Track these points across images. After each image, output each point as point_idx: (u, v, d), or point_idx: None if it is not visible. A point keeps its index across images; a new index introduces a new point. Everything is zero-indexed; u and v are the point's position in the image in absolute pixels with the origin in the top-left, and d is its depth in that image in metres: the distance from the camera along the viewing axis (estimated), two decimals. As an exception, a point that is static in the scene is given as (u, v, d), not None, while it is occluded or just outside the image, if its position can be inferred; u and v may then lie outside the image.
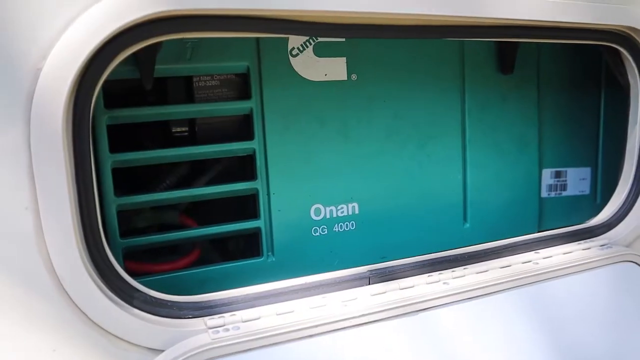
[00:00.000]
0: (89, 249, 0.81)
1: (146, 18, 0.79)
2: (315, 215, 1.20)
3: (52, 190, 0.76)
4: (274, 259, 1.18)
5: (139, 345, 0.84)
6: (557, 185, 1.47)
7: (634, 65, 1.22)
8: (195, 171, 1.20)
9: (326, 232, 1.22)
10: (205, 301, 0.91)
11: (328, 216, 1.21)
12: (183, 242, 1.14)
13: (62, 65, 0.74)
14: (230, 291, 0.94)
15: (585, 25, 1.12)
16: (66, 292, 0.79)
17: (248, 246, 1.23)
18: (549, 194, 1.46)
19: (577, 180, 1.50)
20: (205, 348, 0.83)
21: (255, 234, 1.19)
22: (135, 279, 1.05)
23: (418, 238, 1.31)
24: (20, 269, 0.76)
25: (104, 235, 1.02)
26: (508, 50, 1.32)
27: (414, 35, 1.00)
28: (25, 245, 0.76)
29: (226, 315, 0.90)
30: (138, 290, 0.86)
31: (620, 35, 1.18)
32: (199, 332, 0.86)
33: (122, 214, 1.09)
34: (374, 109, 1.23)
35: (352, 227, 1.24)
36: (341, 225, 1.23)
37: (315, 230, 1.21)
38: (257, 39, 1.11)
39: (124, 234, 1.07)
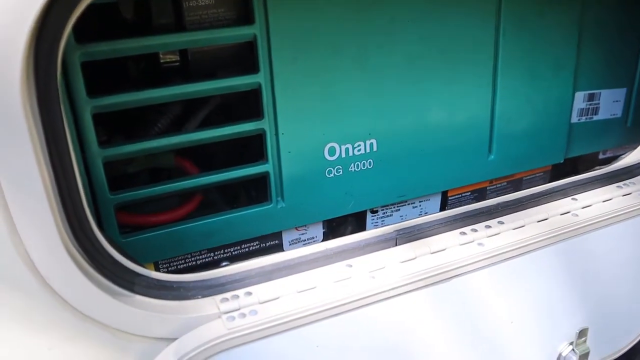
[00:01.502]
0: (75, 236, 0.68)
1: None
2: (330, 155, 1.06)
3: (19, 174, 0.60)
4: (284, 205, 1.06)
5: (144, 336, 0.75)
6: (589, 109, 1.33)
7: None
8: (191, 108, 1.03)
9: (341, 172, 1.08)
10: (216, 277, 0.80)
11: (344, 155, 1.08)
12: (183, 189, 1.00)
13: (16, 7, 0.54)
14: (244, 264, 0.83)
15: None
16: (55, 291, 0.66)
17: (255, 187, 1.10)
18: (579, 119, 1.33)
19: (610, 103, 1.36)
20: (220, 340, 0.73)
21: (263, 178, 1.05)
22: (130, 235, 0.94)
23: (440, 174, 1.19)
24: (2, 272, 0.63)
25: (90, 192, 0.90)
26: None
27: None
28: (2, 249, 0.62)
29: (241, 293, 0.79)
30: (139, 275, 0.75)
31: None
32: (211, 317, 0.76)
33: (112, 166, 0.94)
34: (396, 31, 1.03)
35: (370, 165, 1.11)
36: (357, 164, 1.10)
37: (330, 172, 1.07)
38: (261, -54, 0.88)
39: (113, 182, 0.93)
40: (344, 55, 1.01)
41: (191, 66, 0.97)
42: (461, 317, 0.89)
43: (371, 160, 1.11)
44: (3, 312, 0.65)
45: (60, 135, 0.63)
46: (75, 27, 0.78)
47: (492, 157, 1.24)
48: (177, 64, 1.01)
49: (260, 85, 0.96)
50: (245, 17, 0.94)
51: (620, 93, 1.36)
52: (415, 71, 1.08)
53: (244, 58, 0.98)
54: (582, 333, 1.08)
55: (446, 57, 1.10)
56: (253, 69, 0.95)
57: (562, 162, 1.34)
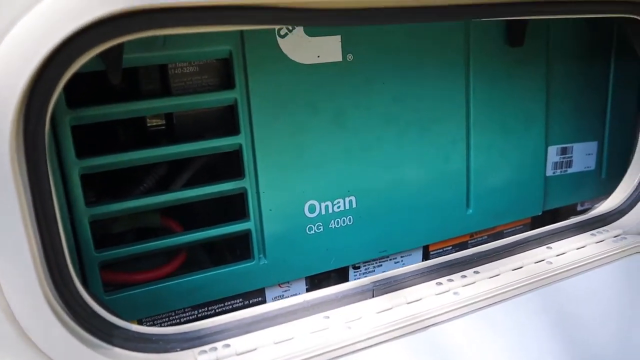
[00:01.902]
0: (57, 288, 0.70)
1: (111, 14, 0.64)
2: (310, 213, 1.10)
3: (4, 229, 0.64)
4: (266, 262, 1.08)
5: (123, 389, 0.75)
6: (562, 162, 1.38)
7: (656, 38, 1.11)
8: (176, 169, 1.08)
9: (322, 229, 1.12)
10: (195, 330, 0.82)
11: (324, 212, 1.11)
12: (166, 250, 1.03)
13: (9, 72, 0.60)
14: (223, 317, 0.84)
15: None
16: (33, 342, 0.68)
17: (238, 244, 1.13)
18: (554, 172, 1.38)
19: (583, 156, 1.41)
20: (198, 391, 0.74)
21: (244, 237, 1.09)
22: (114, 293, 0.96)
23: (419, 229, 1.22)
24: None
25: (76, 250, 0.93)
26: (518, 21, 1.19)
27: (412, 19, 0.87)
28: (-19, 298, 0.65)
29: (219, 345, 0.81)
30: (118, 327, 0.76)
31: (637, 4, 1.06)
32: (190, 369, 0.77)
33: (98, 225, 0.97)
34: (371, 92, 1.11)
35: (350, 222, 1.14)
36: (337, 221, 1.13)
37: (310, 229, 1.11)
38: (240, 19, 0.96)
39: (100, 241, 0.96)
40: (322, 116, 1.07)
41: (176, 129, 1.03)
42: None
43: (351, 217, 1.14)
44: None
45: (46, 194, 0.67)
46: (67, 92, 0.85)
47: (471, 211, 1.28)
48: (163, 127, 1.07)
49: (241, 146, 1.02)
50: (227, 82, 1.01)
51: (592, 146, 1.42)
52: (391, 130, 1.14)
53: (226, 120, 1.04)
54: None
55: (420, 115, 1.16)
56: (234, 130, 1.01)
57: (540, 214, 1.38)
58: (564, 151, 1.38)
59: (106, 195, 1.01)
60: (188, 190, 1.00)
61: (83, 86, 0.92)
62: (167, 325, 1.06)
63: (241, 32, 0.96)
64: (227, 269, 1.06)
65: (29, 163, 0.65)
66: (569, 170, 1.40)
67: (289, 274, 1.12)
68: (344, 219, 1.14)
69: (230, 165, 1.06)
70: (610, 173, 1.45)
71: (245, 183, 1.03)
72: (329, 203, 1.11)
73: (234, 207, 1.08)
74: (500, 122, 1.26)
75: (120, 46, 0.82)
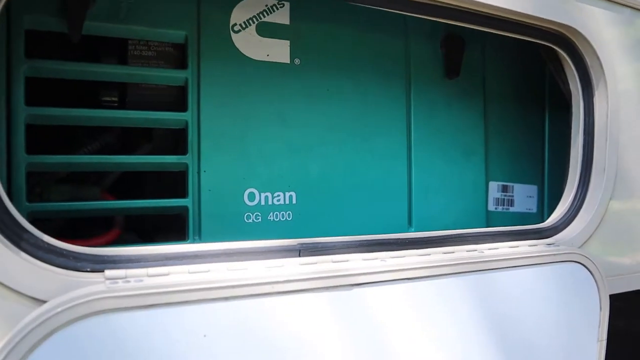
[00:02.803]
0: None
1: None
2: (249, 201, 1.12)
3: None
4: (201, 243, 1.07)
5: (21, 294, 0.72)
6: (504, 199, 1.43)
7: (574, 70, 1.23)
8: (123, 145, 1.12)
9: (260, 219, 1.13)
10: (108, 255, 0.80)
11: (263, 203, 1.13)
12: (100, 214, 1.03)
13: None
14: (138, 248, 0.83)
15: (527, 20, 1.13)
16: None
17: (173, 233, 1.12)
18: (496, 208, 1.42)
19: (524, 197, 1.47)
20: (97, 297, 0.71)
21: (181, 221, 1.09)
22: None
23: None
24: None
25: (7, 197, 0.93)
26: (453, 54, 1.33)
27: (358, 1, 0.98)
28: None
29: (130, 270, 0.78)
30: (28, 232, 0.75)
31: (560, 37, 1.20)
32: (94, 283, 0.75)
33: (36, 181, 0.98)
34: (316, 97, 1.19)
35: (289, 217, 1.16)
36: (276, 214, 1.15)
37: (249, 217, 1.12)
38: (198, 8, 1.07)
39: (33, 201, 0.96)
40: (268, 109, 1.14)
41: (128, 105, 1.09)
42: (356, 327, 0.87)
43: (290, 212, 1.16)
44: None
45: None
46: (27, 44, 0.92)
47: (412, 229, 1.30)
48: (116, 103, 1.12)
49: (187, 123, 1.07)
50: (180, 66, 1.09)
51: (532, 189, 1.48)
52: (334, 135, 1.21)
53: (175, 104, 1.10)
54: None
55: (362, 126, 1.24)
56: (182, 108, 1.07)
57: (483, 246, 1.39)
58: (505, 188, 1.44)
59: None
60: (130, 156, 1.03)
61: (44, 44, 1.00)
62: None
63: (198, 19, 1.07)
64: (160, 246, 1.04)
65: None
66: (511, 209, 1.45)
67: (223, 261, 1.10)
68: (283, 214, 1.15)
69: (175, 147, 1.10)
70: (552, 218, 1.50)
71: (188, 159, 1.07)
72: (269, 194, 1.14)
73: (175, 189, 1.10)
74: (441, 147, 1.34)
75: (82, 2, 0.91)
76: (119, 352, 0.72)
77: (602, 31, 1.22)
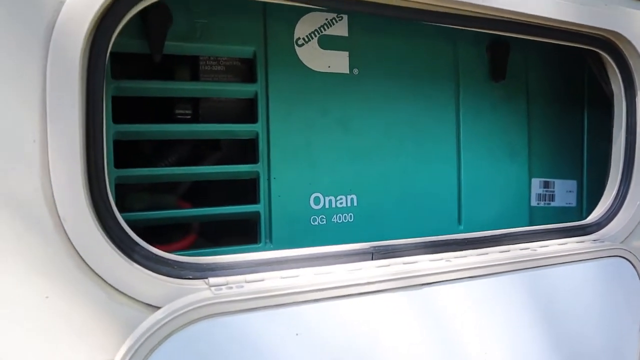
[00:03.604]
0: (92, 194, 0.79)
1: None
2: (315, 204, 1.20)
3: (63, 127, 0.75)
4: (272, 246, 1.16)
5: (136, 300, 0.81)
6: (545, 195, 1.50)
7: (617, 72, 1.29)
8: (196, 157, 1.19)
9: (325, 222, 1.21)
10: (208, 263, 0.88)
11: (327, 206, 1.21)
12: (179, 222, 1.11)
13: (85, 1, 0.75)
14: (234, 255, 0.91)
15: (572, 26, 1.19)
16: (66, 233, 0.76)
17: (245, 237, 1.20)
18: (538, 203, 1.49)
19: (564, 192, 1.53)
20: (207, 302, 0.79)
21: (253, 223, 1.17)
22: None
23: (414, 235, 1.29)
24: (21, 203, 0.73)
25: None
26: (498, 58, 1.38)
27: (410, 16, 1.04)
28: (30, 180, 0.74)
29: (229, 277, 0.87)
30: (138, 244, 0.83)
31: (604, 41, 1.25)
32: (200, 289, 0.83)
33: (120, 191, 1.07)
34: (373, 104, 1.26)
35: (350, 219, 1.24)
36: (339, 216, 1.23)
37: (314, 220, 1.20)
38: (265, 25, 1.14)
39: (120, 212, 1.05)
40: (329, 118, 1.21)
41: (201, 118, 1.16)
42: (427, 323, 0.95)
43: (352, 214, 1.24)
44: (16, 249, 0.73)
45: (98, 113, 0.79)
46: (113, 67, 1.00)
47: (462, 227, 1.37)
48: (189, 116, 1.20)
49: (257, 134, 1.14)
50: (249, 79, 1.16)
51: (572, 184, 1.55)
52: (391, 140, 1.28)
53: (245, 115, 1.17)
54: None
55: (415, 131, 1.30)
56: (253, 119, 1.14)
57: (527, 240, 1.47)
58: (546, 185, 1.50)
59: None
60: (206, 167, 1.11)
61: (127, 66, 1.07)
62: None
63: (265, 36, 1.14)
64: (233, 249, 1.13)
65: (89, 84, 0.78)
66: (552, 204, 1.51)
67: (292, 262, 1.18)
68: (345, 216, 1.23)
69: (245, 156, 1.18)
70: (591, 212, 1.56)
71: (259, 168, 1.14)
72: (332, 198, 1.21)
73: (246, 196, 1.18)
74: (488, 149, 1.41)
75: (164, 23, 0.99)
76: (226, 351, 0.80)
77: (645, 35, 1.27)
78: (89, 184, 0.79)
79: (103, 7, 0.77)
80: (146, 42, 1.03)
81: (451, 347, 0.97)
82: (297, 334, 0.86)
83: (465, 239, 1.11)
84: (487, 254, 1.07)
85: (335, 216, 1.22)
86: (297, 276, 0.89)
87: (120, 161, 1.09)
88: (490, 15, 1.10)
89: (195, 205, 1.17)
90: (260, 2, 1.03)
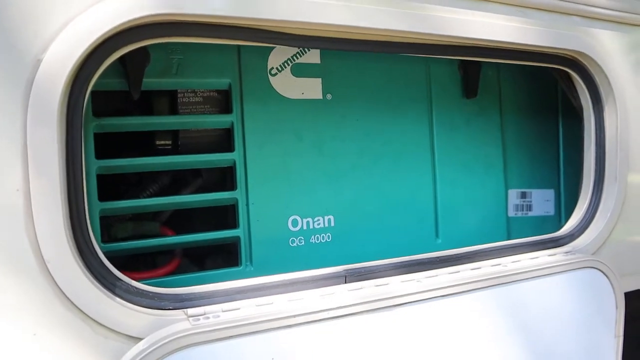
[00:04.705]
0: (75, 234, 0.84)
1: (139, 21, 0.86)
2: (293, 226, 1.25)
3: (44, 175, 0.80)
4: (252, 269, 1.21)
5: (119, 333, 0.86)
6: (523, 205, 1.54)
7: (584, 88, 1.33)
8: (177, 184, 1.24)
9: (303, 243, 1.26)
10: (186, 293, 0.93)
11: (305, 227, 1.26)
12: (163, 249, 1.16)
13: (62, 57, 0.80)
14: (210, 285, 0.96)
15: (539, 48, 1.23)
16: (51, 275, 0.81)
17: (227, 259, 1.25)
18: (515, 214, 1.54)
19: (542, 201, 1.58)
20: (185, 333, 0.84)
21: (233, 248, 1.22)
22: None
23: (392, 251, 1.35)
24: (6, 248, 0.78)
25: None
26: (471, 75, 1.43)
27: (382, 49, 1.09)
28: (14, 226, 0.79)
29: (206, 306, 0.92)
30: (120, 279, 0.89)
31: (570, 60, 1.29)
32: (180, 321, 0.88)
33: (104, 223, 1.11)
34: (347, 126, 1.31)
35: (329, 238, 1.28)
36: (317, 237, 1.27)
37: (293, 241, 1.25)
38: (239, 57, 1.19)
39: (104, 242, 1.10)
40: (304, 143, 1.26)
41: (181, 148, 1.21)
42: (400, 343, 1.00)
43: (330, 234, 1.29)
44: (2, 292, 0.78)
45: (77, 153, 0.84)
46: (93, 104, 1.05)
47: (440, 240, 1.42)
48: (169, 147, 1.25)
49: (235, 162, 1.19)
50: (225, 110, 1.21)
51: (549, 193, 1.59)
52: (365, 160, 1.32)
53: (223, 144, 1.22)
54: (533, 391, 1.15)
55: (390, 149, 1.35)
56: (230, 148, 1.19)
57: (505, 250, 1.51)
58: (523, 195, 1.55)
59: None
60: (187, 196, 1.16)
61: (107, 103, 1.12)
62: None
63: (239, 68, 1.19)
64: (216, 273, 1.18)
65: (68, 134, 0.83)
66: (530, 213, 1.56)
67: (273, 283, 1.23)
68: (323, 236, 1.28)
69: (224, 184, 1.23)
70: (569, 219, 1.61)
71: (237, 194, 1.19)
72: (309, 219, 1.26)
73: (225, 221, 1.23)
74: (463, 162, 1.45)
75: (141, 62, 1.03)
76: (204, 379, 0.85)
77: (610, 52, 1.32)
78: (71, 226, 0.84)
79: (81, 58, 0.82)
80: (125, 81, 1.08)
81: (422, 364, 1.02)
82: (272, 358, 0.91)
83: (437, 257, 1.16)
84: (458, 272, 1.12)
85: (313, 237, 1.27)
86: (271, 303, 0.94)
87: (105, 192, 1.14)
88: (460, 43, 1.15)
89: (178, 230, 1.22)
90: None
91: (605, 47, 1.31)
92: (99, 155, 1.07)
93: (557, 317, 1.17)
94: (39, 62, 0.79)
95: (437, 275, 1.09)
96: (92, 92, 1.07)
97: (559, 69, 1.32)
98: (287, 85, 1.24)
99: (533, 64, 1.27)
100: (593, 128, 1.36)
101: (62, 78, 0.80)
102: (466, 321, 1.07)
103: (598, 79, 1.32)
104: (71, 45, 0.81)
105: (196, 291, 0.94)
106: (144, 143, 1.22)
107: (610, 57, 1.31)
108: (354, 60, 1.31)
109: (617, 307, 1.29)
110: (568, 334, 1.19)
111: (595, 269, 1.24)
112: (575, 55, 1.29)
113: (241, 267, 1.20)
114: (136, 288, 0.90)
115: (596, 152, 1.36)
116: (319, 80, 1.27)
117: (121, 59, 1.03)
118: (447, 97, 1.43)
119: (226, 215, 1.25)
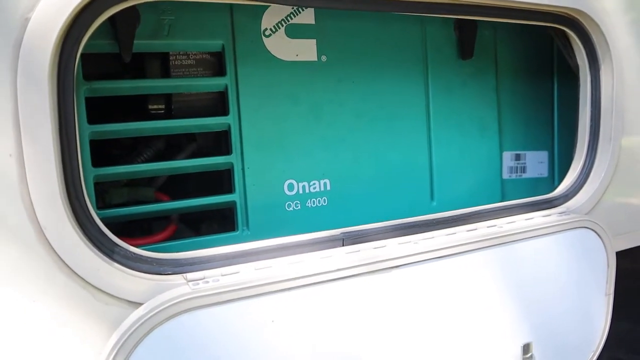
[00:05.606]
0: (70, 200, 0.83)
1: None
2: (289, 191, 1.24)
3: (37, 139, 0.78)
4: (249, 233, 1.20)
5: (119, 298, 0.86)
6: (517, 167, 1.55)
7: (581, 47, 1.32)
8: (172, 149, 1.23)
9: (299, 207, 1.25)
10: (185, 258, 0.93)
11: (301, 192, 1.25)
12: (158, 215, 1.15)
13: (51, 15, 0.77)
14: (209, 249, 0.96)
15: (536, 6, 1.21)
16: (48, 241, 0.80)
17: (223, 224, 1.25)
18: (510, 176, 1.54)
19: (536, 163, 1.58)
20: (185, 298, 0.84)
21: (229, 213, 1.21)
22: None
23: (388, 214, 1.35)
24: (3, 216, 0.77)
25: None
26: (467, 36, 1.41)
27: (377, 8, 1.07)
28: (8, 193, 0.77)
29: (206, 271, 0.92)
30: (118, 245, 0.88)
31: (567, 18, 1.28)
32: (179, 285, 0.88)
33: (99, 189, 1.10)
34: (343, 89, 1.29)
35: (324, 202, 1.28)
36: (314, 200, 1.27)
37: (289, 205, 1.24)
38: (232, 18, 1.15)
39: (99, 209, 1.08)
40: (300, 107, 1.24)
41: (174, 112, 1.19)
42: (398, 305, 1.01)
43: (325, 198, 1.28)
44: (0, 257, 0.78)
45: (70, 119, 0.82)
46: (84, 68, 1.02)
47: (435, 203, 1.42)
48: (162, 111, 1.23)
49: (229, 126, 1.17)
50: (218, 73, 1.18)
51: (543, 155, 1.59)
52: (361, 123, 1.31)
53: (217, 108, 1.20)
54: (527, 348, 1.18)
55: (386, 112, 1.34)
56: (224, 112, 1.17)
57: (499, 212, 1.52)
58: (517, 157, 1.55)
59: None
60: (182, 161, 1.15)
61: (98, 68, 1.09)
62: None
63: (232, 29, 1.16)
64: (213, 238, 1.17)
65: (59, 95, 0.81)
66: (524, 175, 1.56)
67: (270, 247, 1.24)
68: (319, 199, 1.27)
69: (219, 148, 1.21)
70: (562, 180, 1.62)
71: (233, 159, 1.18)
72: (305, 184, 1.26)
73: (221, 187, 1.22)
74: (458, 124, 1.44)
75: (131, 24, 1.00)
76: (205, 342, 0.86)
77: (607, 10, 1.30)
78: (67, 191, 0.82)
79: (71, 17, 0.79)
80: (115, 42, 1.05)
81: (422, 327, 1.03)
82: (272, 321, 0.92)
83: (434, 219, 1.17)
84: (454, 233, 1.12)
85: (309, 201, 1.26)
86: (270, 267, 0.94)
87: (99, 158, 1.12)
88: (456, 1, 1.12)
89: (174, 196, 1.22)
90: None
91: (603, 5, 1.29)
92: (91, 120, 1.05)
93: (551, 276, 1.19)
94: (26, 20, 0.76)
95: (433, 237, 1.09)
96: (83, 55, 1.04)
97: (556, 27, 1.30)
98: (282, 46, 1.21)
99: (530, 22, 1.25)
100: (589, 88, 1.35)
101: (51, 37, 0.77)
102: (462, 282, 1.08)
103: (595, 37, 1.31)
104: (60, 2, 0.78)
105: (195, 256, 0.94)
106: (136, 108, 1.20)
107: (608, 16, 1.30)
108: (348, 21, 1.28)
109: (608, 266, 1.31)
110: (561, 293, 1.22)
111: (588, 229, 1.26)
112: (573, 14, 1.27)
113: (238, 232, 1.20)
114: (134, 254, 0.89)
115: (591, 112, 1.36)
116: (314, 41, 1.25)
117: (111, 19, 1.00)
118: (443, 58, 1.41)
119: (222, 180, 1.24)
